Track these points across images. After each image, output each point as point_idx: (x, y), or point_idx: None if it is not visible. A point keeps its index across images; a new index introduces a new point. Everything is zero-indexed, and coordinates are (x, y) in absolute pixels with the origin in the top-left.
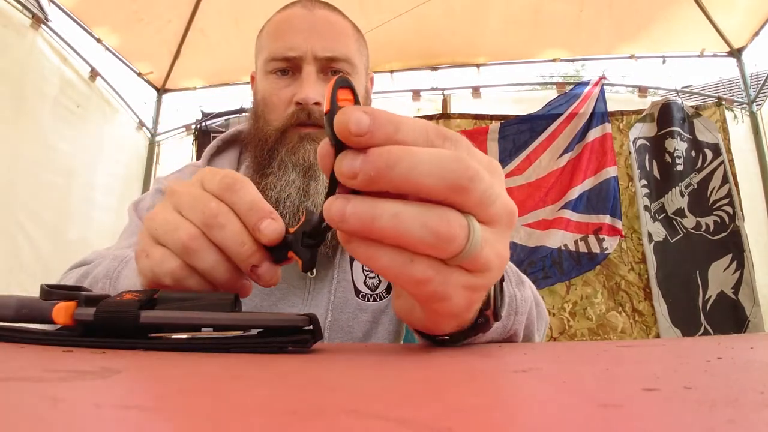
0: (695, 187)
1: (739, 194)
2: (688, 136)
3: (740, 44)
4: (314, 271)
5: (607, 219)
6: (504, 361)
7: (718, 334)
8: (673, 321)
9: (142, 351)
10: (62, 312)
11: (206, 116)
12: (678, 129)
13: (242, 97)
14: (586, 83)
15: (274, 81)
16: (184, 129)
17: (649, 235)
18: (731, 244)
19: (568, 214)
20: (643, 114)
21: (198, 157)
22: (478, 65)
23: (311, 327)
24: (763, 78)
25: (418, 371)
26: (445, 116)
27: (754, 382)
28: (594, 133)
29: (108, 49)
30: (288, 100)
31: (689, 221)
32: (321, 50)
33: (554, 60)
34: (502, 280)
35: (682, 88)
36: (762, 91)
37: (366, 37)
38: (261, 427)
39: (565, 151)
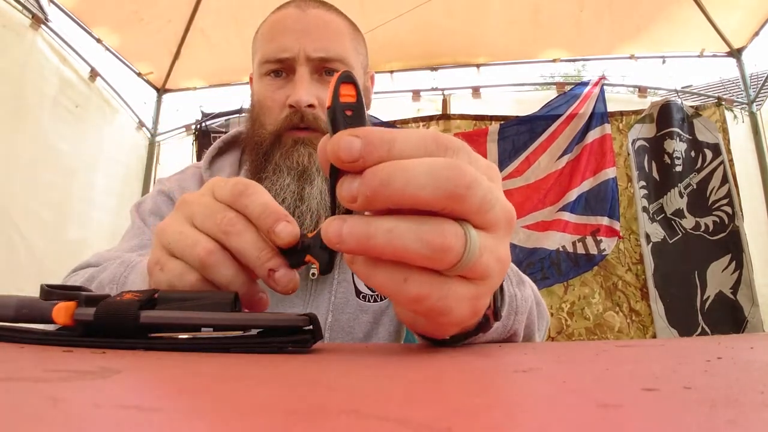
0: (694, 187)
1: (738, 194)
2: (687, 136)
3: (740, 44)
4: (315, 273)
5: (605, 220)
6: (504, 361)
7: (716, 334)
8: (669, 321)
9: (142, 351)
10: (62, 312)
11: (206, 116)
12: (677, 130)
13: (242, 97)
14: (586, 83)
15: (268, 83)
16: (184, 129)
17: (647, 236)
18: (730, 244)
19: (567, 215)
20: (643, 115)
21: (198, 158)
22: (478, 65)
23: (311, 327)
24: (763, 78)
25: (418, 371)
26: (445, 117)
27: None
28: (593, 134)
29: (108, 49)
30: (282, 103)
31: (688, 222)
32: (313, 51)
33: (554, 60)
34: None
35: (682, 88)
36: (762, 92)
37: (366, 37)
38: (261, 427)
39: (564, 152)
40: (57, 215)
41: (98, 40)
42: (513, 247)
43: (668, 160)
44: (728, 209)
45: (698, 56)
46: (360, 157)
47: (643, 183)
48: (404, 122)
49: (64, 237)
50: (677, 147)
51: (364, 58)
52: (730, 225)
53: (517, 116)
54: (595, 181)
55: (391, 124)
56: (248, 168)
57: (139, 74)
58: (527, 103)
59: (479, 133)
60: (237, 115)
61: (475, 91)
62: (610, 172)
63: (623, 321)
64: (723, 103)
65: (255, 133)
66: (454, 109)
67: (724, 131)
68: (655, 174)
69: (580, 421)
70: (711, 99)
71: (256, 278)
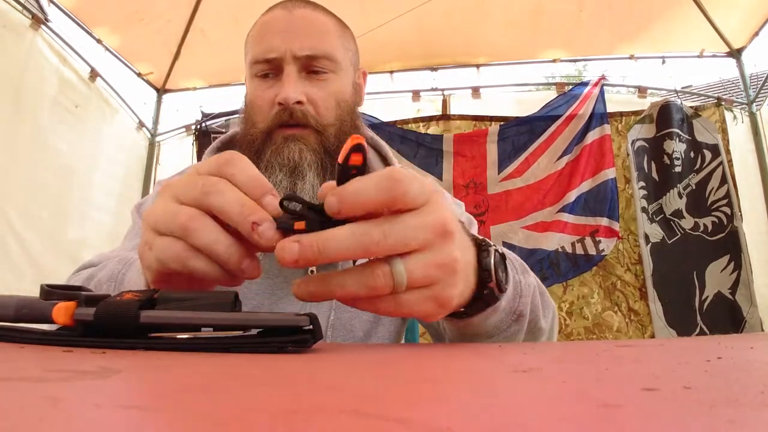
0: (694, 188)
1: (737, 195)
2: (687, 137)
3: (740, 44)
4: (314, 270)
5: (604, 221)
6: (504, 361)
7: (715, 334)
8: (668, 321)
9: (142, 351)
10: (62, 312)
11: (206, 116)
12: (677, 130)
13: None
14: (586, 84)
15: (258, 83)
16: (184, 129)
17: (646, 237)
18: (729, 244)
19: (566, 216)
20: (642, 115)
21: (198, 158)
22: (478, 65)
23: (311, 327)
24: (763, 78)
25: (418, 371)
26: (445, 117)
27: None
28: (593, 135)
29: (108, 49)
30: (271, 101)
31: (687, 222)
32: (299, 49)
33: (554, 60)
34: (504, 258)
35: (682, 88)
36: (761, 92)
37: (366, 37)
38: (261, 427)
39: (564, 153)
40: (56, 215)
41: (98, 40)
42: (512, 247)
43: (667, 161)
44: (727, 210)
45: (698, 56)
46: (298, 257)
47: (642, 183)
48: (404, 122)
49: (64, 237)
50: (677, 147)
51: (353, 55)
52: (729, 225)
53: (517, 117)
54: (594, 181)
55: (391, 125)
56: None
57: (139, 74)
58: (527, 104)
59: (479, 133)
60: (237, 115)
61: (475, 91)
62: (609, 173)
63: (622, 321)
64: (723, 103)
65: (247, 132)
66: (454, 110)
67: (724, 132)
68: (654, 174)
69: (580, 421)
70: (711, 99)
71: (244, 242)
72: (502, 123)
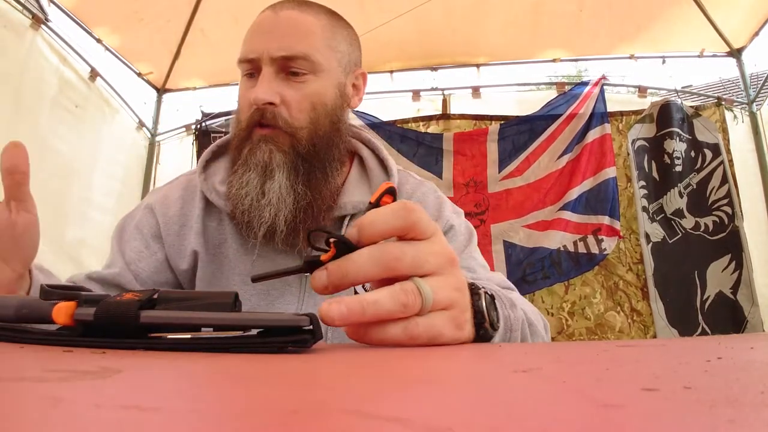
0: (694, 187)
1: (738, 194)
2: (687, 136)
3: (740, 44)
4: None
5: (605, 220)
6: (504, 361)
7: (716, 334)
8: (670, 321)
9: (142, 351)
10: (62, 312)
11: (206, 116)
12: (677, 130)
13: None
14: (586, 83)
15: (243, 83)
16: (184, 129)
17: (647, 236)
18: (730, 244)
19: (567, 215)
20: (643, 115)
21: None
22: (478, 65)
23: (311, 327)
24: (763, 78)
25: (418, 371)
26: (444, 117)
27: (754, 382)
28: (593, 134)
29: (108, 49)
30: (250, 102)
31: (688, 221)
32: (276, 50)
33: (554, 60)
34: (494, 299)
35: (682, 88)
36: (762, 92)
37: (366, 37)
38: (261, 427)
39: (565, 152)
40: (56, 215)
41: (98, 40)
42: (513, 246)
43: (668, 160)
44: (728, 209)
45: (698, 56)
46: (328, 285)
47: (642, 183)
48: (404, 122)
49: (63, 237)
50: (677, 147)
51: (344, 56)
52: (729, 225)
53: (517, 116)
54: (595, 180)
55: (391, 125)
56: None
57: (139, 74)
58: (527, 103)
59: (479, 132)
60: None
61: (475, 91)
62: (610, 172)
63: (624, 321)
64: (723, 103)
65: (234, 130)
66: (454, 109)
67: (724, 131)
68: (654, 174)
69: (580, 421)
70: (711, 99)
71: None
72: (502, 122)
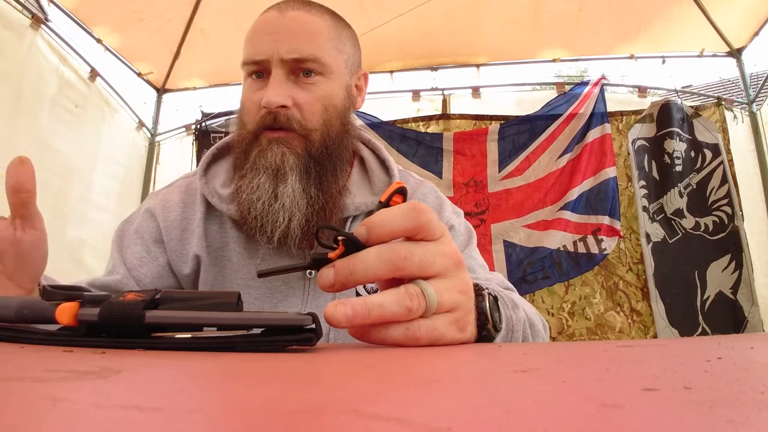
0: (694, 187)
1: (738, 194)
2: (687, 136)
3: (740, 44)
4: (313, 272)
5: (605, 220)
6: (504, 361)
7: (716, 334)
8: (670, 321)
9: (143, 351)
10: (66, 312)
11: (206, 116)
12: (677, 129)
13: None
14: (586, 83)
15: (249, 85)
16: (184, 129)
17: (647, 236)
18: (730, 244)
19: (567, 214)
20: (643, 114)
21: (198, 158)
22: (478, 65)
23: (313, 326)
24: (763, 78)
25: (418, 371)
26: (444, 116)
27: (754, 382)
28: (593, 134)
29: (108, 49)
30: (258, 104)
31: (688, 221)
32: (287, 52)
33: (554, 60)
34: (497, 300)
35: (682, 88)
36: (762, 92)
37: (366, 37)
38: (261, 427)
39: (565, 151)
40: (56, 216)
41: (98, 40)
42: (513, 246)
43: (668, 160)
44: (728, 209)
45: (698, 56)
46: (334, 283)
47: (643, 182)
48: (404, 122)
49: (63, 238)
50: (677, 147)
51: (350, 57)
52: (729, 225)
53: (517, 116)
54: (595, 180)
55: (391, 124)
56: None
57: (139, 74)
58: (527, 103)
59: (479, 132)
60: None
61: (475, 91)
62: (610, 172)
63: (624, 321)
64: (723, 103)
65: (239, 133)
66: (454, 109)
67: (724, 131)
68: (655, 174)
69: (580, 421)
70: (711, 99)
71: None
72: (502, 122)
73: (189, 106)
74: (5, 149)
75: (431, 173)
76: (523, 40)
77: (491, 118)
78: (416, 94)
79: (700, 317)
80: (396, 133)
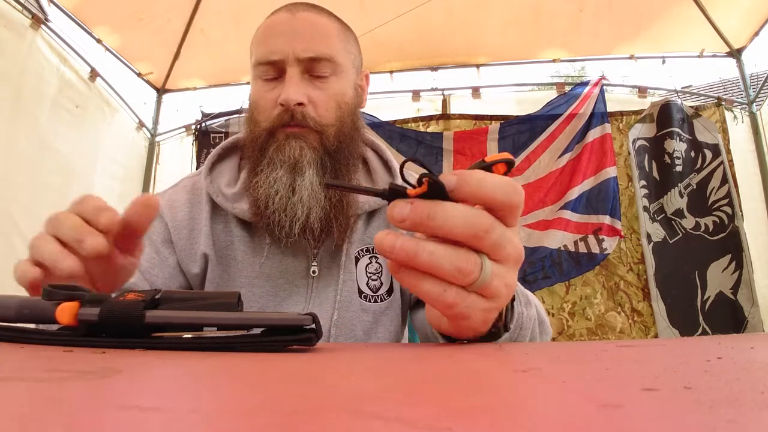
0: (694, 187)
1: (738, 194)
2: (687, 136)
3: (740, 44)
4: (316, 270)
5: (606, 219)
6: (504, 361)
7: (717, 334)
8: (671, 321)
9: (143, 350)
10: (66, 312)
11: (206, 116)
12: (677, 130)
13: (242, 98)
14: (586, 83)
15: (262, 85)
16: (184, 129)
17: (648, 236)
18: (730, 244)
19: (568, 214)
20: (643, 114)
21: (198, 158)
22: (478, 65)
23: (313, 326)
24: (763, 78)
25: (418, 371)
26: (444, 116)
27: (754, 382)
28: (593, 134)
29: (108, 49)
30: (273, 102)
31: (688, 222)
32: (302, 51)
33: (554, 60)
34: (513, 299)
35: (682, 88)
36: (762, 92)
37: (366, 37)
38: (261, 427)
39: (565, 151)
40: None
41: (98, 40)
42: None
43: (668, 160)
44: (728, 209)
45: (698, 56)
46: (407, 218)
47: (643, 182)
48: (404, 122)
49: None
50: (677, 147)
51: (356, 57)
52: (729, 225)
53: (517, 116)
54: (596, 180)
55: (390, 124)
56: (248, 166)
57: (139, 74)
58: (527, 103)
59: (479, 132)
60: (237, 115)
61: (475, 91)
62: (610, 171)
63: (625, 321)
64: (723, 103)
65: (251, 131)
66: (453, 109)
67: (724, 131)
68: (655, 174)
69: (580, 421)
70: (711, 99)
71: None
72: (502, 122)
73: (189, 106)
74: (5, 149)
75: None
76: (523, 40)
77: (491, 118)
78: (416, 94)
79: (701, 317)
80: (396, 132)
